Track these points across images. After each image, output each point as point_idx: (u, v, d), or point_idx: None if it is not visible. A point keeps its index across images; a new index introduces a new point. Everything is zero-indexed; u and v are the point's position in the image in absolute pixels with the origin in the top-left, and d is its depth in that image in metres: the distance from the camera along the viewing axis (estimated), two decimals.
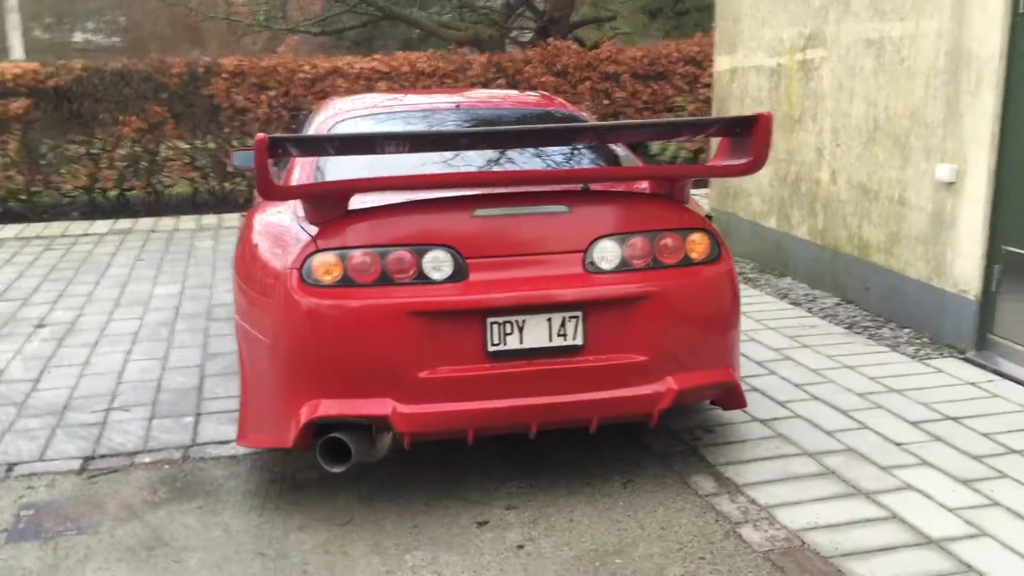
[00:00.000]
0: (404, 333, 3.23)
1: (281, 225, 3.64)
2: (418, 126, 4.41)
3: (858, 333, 5.61)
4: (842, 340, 5.47)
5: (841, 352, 5.23)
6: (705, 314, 3.49)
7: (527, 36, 14.18)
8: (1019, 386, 4.64)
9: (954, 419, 4.25)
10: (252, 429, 3.63)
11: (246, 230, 3.96)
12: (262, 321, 3.46)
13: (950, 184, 5.18)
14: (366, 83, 10.87)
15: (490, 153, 3.90)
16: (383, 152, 3.35)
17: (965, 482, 3.63)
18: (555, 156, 4.04)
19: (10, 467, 3.96)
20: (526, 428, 3.42)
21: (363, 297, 3.25)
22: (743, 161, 3.42)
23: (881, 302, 5.83)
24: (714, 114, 8.06)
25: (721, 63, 7.80)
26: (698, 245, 3.53)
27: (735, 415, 4.28)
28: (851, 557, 3.11)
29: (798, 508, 3.45)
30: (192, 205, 11.03)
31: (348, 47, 24.71)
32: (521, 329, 3.32)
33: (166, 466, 3.97)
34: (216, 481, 3.82)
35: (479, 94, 5.03)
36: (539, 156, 3.98)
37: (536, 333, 3.33)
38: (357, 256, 3.30)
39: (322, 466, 3.42)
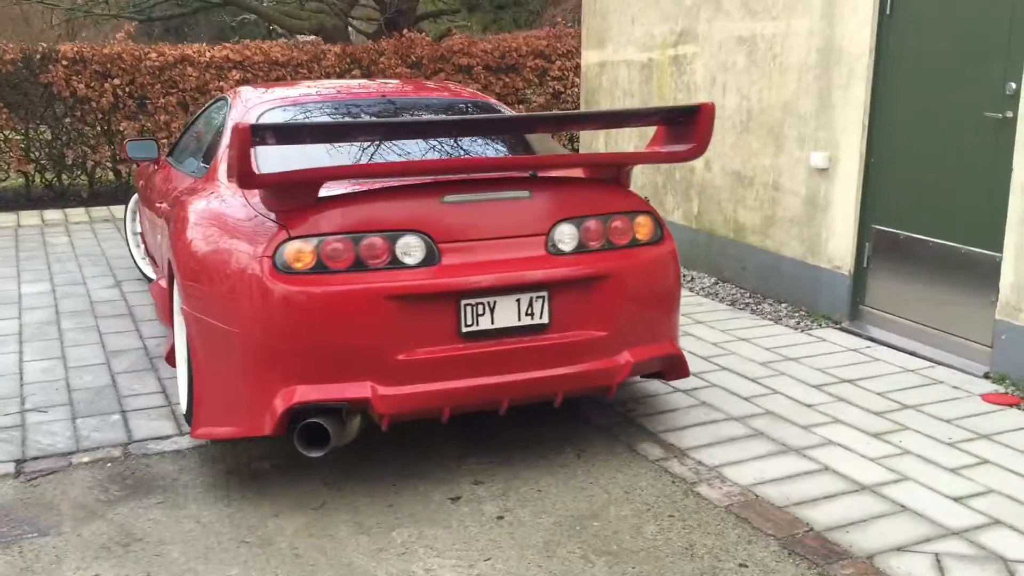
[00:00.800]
0: (382, 317, 3.31)
1: (234, 213, 3.63)
2: (350, 116, 4.45)
3: (741, 309, 6.05)
4: (729, 316, 5.89)
5: (732, 326, 5.63)
6: (656, 291, 3.74)
7: (371, 27, 14.12)
8: (893, 350, 5.16)
9: (849, 381, 4.70)
10: (210, 421, 3.61)
11: (184, 220, 3.90)
12: (225, 310, 3.44)
13: (823, 170, 5.67)
14: (217, 71, 10.60)
15: (444, 142, 4.02)
16: (358, 140, 3.41)
17: (875, 435, 4.05)
18: (501, 145, 4.20)
19: None
20: (498, 405, 3.57)
21: (339, 283, 3.30)
22: (687, 147, 3.69)
23: (758, 280, 6.30)
24: (582, 106, 8.39)
25: (589, 57, 8.12)
26: (643, 227, 3.77)
27: (659, 387, 4.57)
28: (802, 505, 3.44)
29: (742, 467, 3.76)
30: (27, 200, 10.43)
31: (158, 35, 23.75)
32: (492, 310, 3.47)
33: (108, 464, 3.87)
34: (169, 476, 3.76)
35: (392, 84, 5.10)
36: (488, 145, 4.12)
37: (506, 313, 3.49)
38: (330, 243, 3.34)
39: (297, 452, 3.45)
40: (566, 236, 3.61)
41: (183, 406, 4.17)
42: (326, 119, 4.24)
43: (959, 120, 4.84)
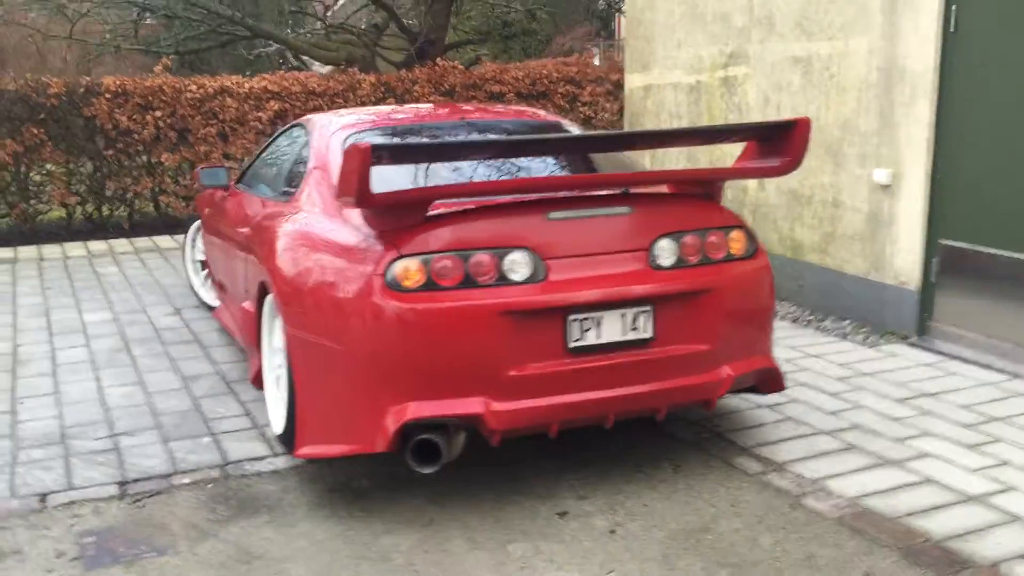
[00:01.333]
0: (494, 333, 3.34)
1: (337, 234, 3.67)
2: (435, 138, 4.51)
3: (804, 326, 6.07)
4: (793, 332, 5.91)
5: (799, 343, 5.66)
6: (753, 305, 3.78)
7: (397, 57, 14.26)
8: (967, 364, 5.18)
9: (931, 395, 4.71)
10: (315, 440, 3.64)
11: (282, 243, 3.95)
12: (334, 330, 3.48)
13: (886, 187, 5.71)
14: (256, 103, 10.71)
15: (534, 161, 4.08)
16: (473, 158, 3.46)
17: (970, 447, 4.06)
18: (585, 162, 4.26)
19: (42, 497, 3.78)
20: (604, 419, 3.59)
21: (451, 300, 3.34)
22: (779, 161, 3.74)
23: (817, 297, 6.33)
24: (626, 127, 8.45)
25: (633, 80, 8.20)
26: (737, 242, 3.81)
27: (740, 402, 4.59)
28: (913, 516, 3.45)
29: (843, 479, 3.77)
30: (68, 232, 10.51)
31: (175, 69, 23.95)
32: (599, 325, 3.50)
33: (209, 485, 3.89)
34: (272, 495, 3.78)
35: (464, 108, 5.16)
36: (575, 163, 4.18)
37: (611, 328, 3.52)
38: (440, 260, 3.38)
39: (396, 471, 3.48)
40: (665, 251, 3.64)
41: (276, 427, 4.20)
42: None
43: None
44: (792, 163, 3.72)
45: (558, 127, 4.83)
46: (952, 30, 5.29)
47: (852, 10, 5.85)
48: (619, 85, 11.24)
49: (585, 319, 3.47)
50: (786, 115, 6.46)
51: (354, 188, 3.15)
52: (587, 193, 3.68)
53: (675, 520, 3.50)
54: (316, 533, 3.47)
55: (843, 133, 5.98)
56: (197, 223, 6.77)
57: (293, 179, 4.59)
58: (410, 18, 13.86)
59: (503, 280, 3.42)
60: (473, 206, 3.55)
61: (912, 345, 5.55)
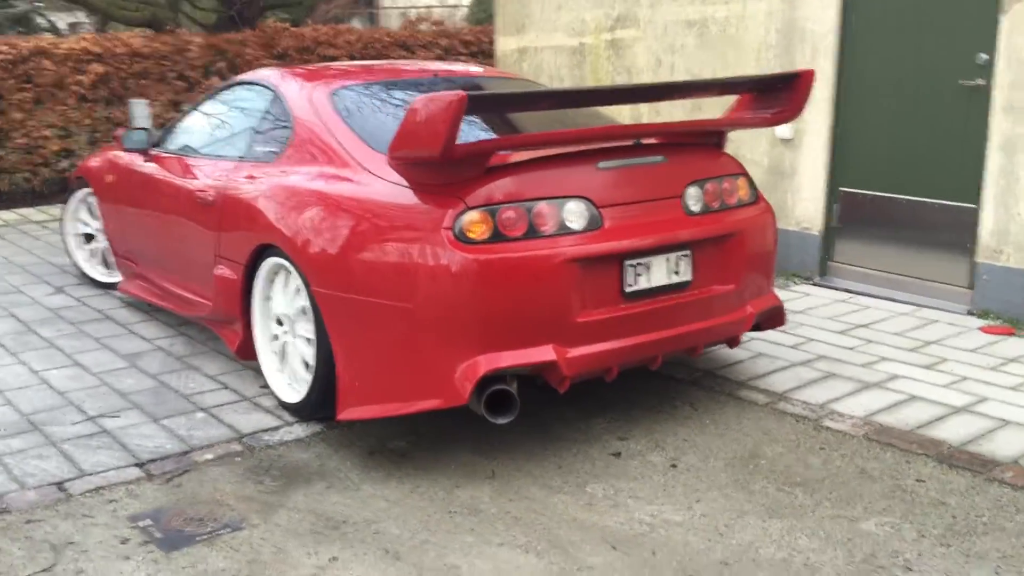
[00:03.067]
0: (563, 281, 3.41)
1: (382, 191, 3.59)
2: (420, 92, 4.44)
3: None
4: None
5: None
6: (766, 247, 4.05)
7: (207, 19, 13.53)
8: (873, 298, 5.74)
9: (863, 326, 5.21)
10: (364, 400, 3.57)
11: (292, 202, 3.81)
12: (394, 287, 3.42)
13: (788, 140, 6.18)
14: (75, 65, 9.88)
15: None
16: (560, 107, 3.50)
17: (927, 367, 4.56)
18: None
19: (59, 486, 3.48)
20: (654, 359, 3.75)
21: (521, 250, 3.37)
22: (782, 111, 4.01)
23: None
24: None
25: (506, 43, 8.30)
26: (743, 188, 4.07)
27: None
28: (924, 428, 3.86)
29: (845, 402, 4.14)
30: None
31: None
32: (648, 270, 3.65)
33: (237, 458, 3.72)
34: (310, 464, 3.67)
35: (433, 65, 5.10)
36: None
37: (659, 272, 3.68)
38: (505, 211, 3.40)
39: (424, 430, 3.52)
40: (693, 198, 3.83)
41: (285, 396, 4.06)
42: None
43: (931, 89, 5.46)
44: (795, 111, 3.99)
45: (524, 81, 4.89)
46: None
47: None
48: (468, 45, 11.30)
49: (638, 264, 3.60)
50: (680, 76, 6.80)
51: (442, 139, 3.11)
52: (622, 143, 3.80)
53: (723, 450, 3.72)
54: (387, 494, 3.42)
55: (695, 104, 6.37)
56: (81, 193, 6.24)
57: (268, 139, 4.38)
58: None
59: (564, 229, 3.48)
60: (532, 157, 3.58)
61: (816, 285, 6.07)
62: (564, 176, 3.54)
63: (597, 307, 3.52)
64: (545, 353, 3.41)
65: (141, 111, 9.26)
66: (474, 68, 5.36)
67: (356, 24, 18.44)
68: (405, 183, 3.55)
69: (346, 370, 3.60)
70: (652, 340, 3.64)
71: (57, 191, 10.04)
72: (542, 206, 3.46)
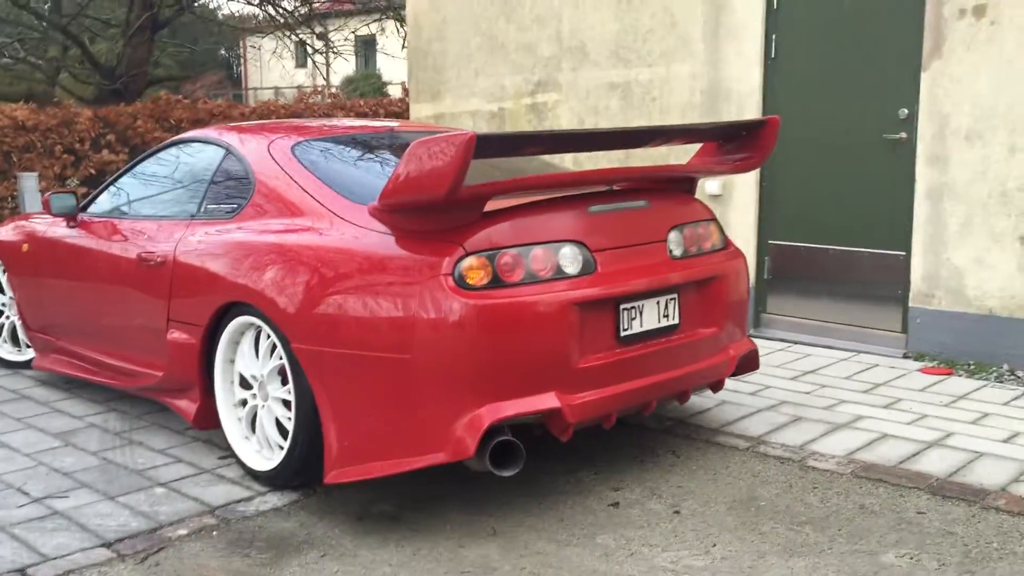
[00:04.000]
0: (565, 325, 3.34)
1: (368, 241, 3.45)
2: (372, 149, 4.36)
3: None
4: None
5: None
6: (742, 291, 4.08)
7: (85, 92, 13.09)
8: (810, 346, 5.88)
9: (811, 372, 5.32)
10: (354, 460, 3.39)
11: (268, 258, 3.63)
12: (389, 339, 3.28)
13: (718, 196, 6.34)
14: None
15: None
16: (580, 149, 3.46)
17: (886, 407, 4.66)
18: None
19: (22, 573, 3.14)
20: (647, 405, 3.70)
21: (522, 295, 3.29)
22: (748, 158, 4.09)
23: None
24: None
25: (421, 110, 8.30)
26: (715, 234, 4.11)
27: None
28: (906, 463, 3.92)
29: (822, 442, 4.17)
30: None
31: None
32: (640, 313, 3.62)
33: (214, 532, 3.45)
34: (298, 533, 3.44)
35: (379, 122, 5.01)
36: None
37: (650, 316, 3.65)
38: (504, 256, 3.33)
39: (403, 492, 3.47)
40: (675, 242, 3.85)
41: (256, 464, 3.83)
42: (313, 153, 4.04)
43: (856, 143, 5.70)
44: (761, 159, 4.08)
45: None
46: (772, 56, 6.02)
47: (672, 40, 6.45)
48: (365, 116, 11.24)
49: (631, 308, 3.57)
50: None
51: (448, 182, 3.02)
52: (603, 189, 3.79)
53: (720, 494, 3.68)
54: (388, 558, 3.22)
55: (669, 151, 6.52)
56: None
57: (223, 196, 4.19)
58: (98, 53, 12.76)
59: (560, 274, 3.42)
60: (525, 202, 3.53)
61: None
62: (557, 220, 3.49)
63: (595, 352, 3.46)
64: (549, 400, 3.31)
65: (31, 184, 8.81)
66: (423, 124, 5.29)
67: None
68: (391, 231, 3.42)
69: (335, 429, 3.41)
70: (648, 384, 3.60)
71: None
72: (538, 251, 3.39)
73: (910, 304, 5.54)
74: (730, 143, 4.15)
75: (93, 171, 10.12)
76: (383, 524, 3.48)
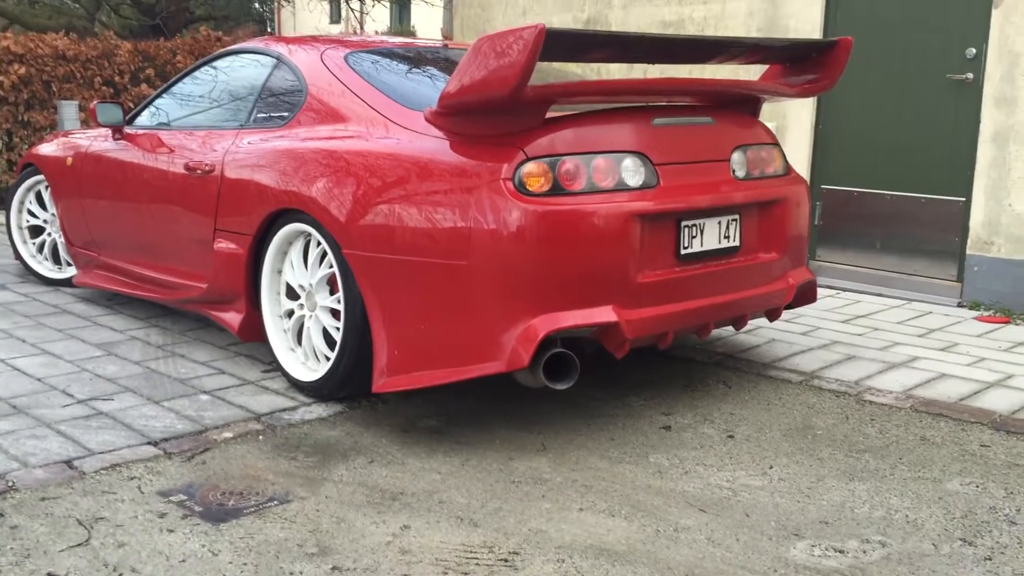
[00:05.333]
0: (626, 238, 3.24)
1: (422, 145, 3.36)
2: (425, 62, 4.26)
3: None
4: None
5: None
6: (804, 218, 3.96)
7: (131, 28, 13.03)
8: (860, 293, 5.74)
9: (863, 316, 5.19)
10: (407, 368, 3.32)
11: (321, 164, 3.55)
12: (447, 244, 3.19)
13: None
14: None
15: None
16: (649, 55, 3.35)
17: (942, 350, 4.53)
18: None
19: (68, 464, 3.10)
20: (706, 328, 3.60)
21: (584, 203, 3.19)
22: (813, 79, 3.94)
23: None
24: None
25: None
26: (779, 159, 3.98)
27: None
28: (967, 401, 3.80)
29: (878, 379, 4.06)
30: None
31: None
32: (702, 232, 3.50)
33: (260, 436, 3.40)
34: (342, 441, 3.38)
35: (430, 40, 4.91)
36: None
37: (711, 236, 3.54)
38: (565, 163, 3.22)
39: (451, 407, 3.35)
40: (738, 163, 3.72)
41: (301, 375, 3.77)
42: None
43: (918, 84, 5.52)
44: (831, 82, 3.93)
45: None
46: None
47: None
48: None
49: (693, 226, 3.46)
50: (654, 76, 6.75)
51: (516, 79, 2.91)
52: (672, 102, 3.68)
53: (775, 422, 3.58)
54: (436, 467, 3.15)
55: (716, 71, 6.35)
56: (27, 184, 5.78)
57: (273, 105, 4.11)
58: None
59: (622, 185, 3.31)
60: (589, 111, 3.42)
61: None
62: (620, 131, 3.38)
63: (655, 268, 3.36)
64: (606, 314, 3.22)
65: (71, 112, 8.77)
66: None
67: None
68: (447, 136, 3.32)
69: (385, 338, 3.33)
70: (706, 305, 3.49)
71: None
72: (600, 160, 3.28)
73: (967, 252, 5.38)
74: (799, 64, 4.00)
75: (132, 104, 10.05)
76: (429, 436, 3.42)
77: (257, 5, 36.56)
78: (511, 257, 3.12)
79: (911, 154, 5.59)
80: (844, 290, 5.81)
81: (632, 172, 3.34)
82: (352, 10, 20.57)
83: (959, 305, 5.40)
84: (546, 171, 3.18)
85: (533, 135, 3.20)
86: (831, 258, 6.02)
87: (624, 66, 6.58)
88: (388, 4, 23.31)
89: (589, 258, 3.18)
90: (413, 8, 28.55)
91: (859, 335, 4.77)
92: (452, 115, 3.28)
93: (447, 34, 10.72)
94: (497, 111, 3.15)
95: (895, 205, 5.69)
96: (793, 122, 6.04)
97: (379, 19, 28.68)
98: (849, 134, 5.86)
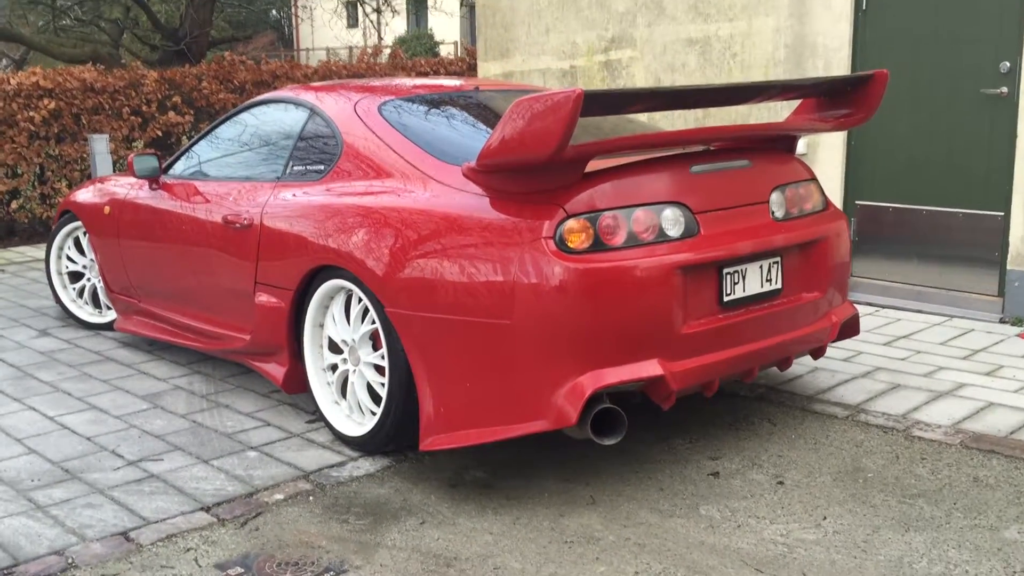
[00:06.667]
0: (669, 290, 3.23)
1: (463, 202, 3.36)
2: (461, 107, 4.26)
3: None
4: None
5: None
6: (844, 254, 3.92)
7: (154, 55, 13.12)
8: (900, 311, 5.69)
9: (904, 337, 5.14)
10: (452, 427, 3.32)
11: (359, 220, 3.56)
12: (489, 303, 3.19)
13: (802, 155, 6.12)
14: (26, 100, 9.42)
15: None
16: (684, 106, 3.34)
17: (987, 374, 4.48)
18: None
19: (125, 536, 3.13)
20: (750, 373, 3.58)
21: (626, 259, 3.18)
22: (849, 113, 3.90)
23: None
24: None
25: (490, 68, 8.16)
26: (816, 194, 3.95)
27: None
28: (1016, 433, 3.75)
29: (924, 411, 4.02)
30: None
31: None
32: (744, 277, 3.49)
33: (310, 497, 3.42)
34: (394, 499, 3.40)
35: (458, 81, 4.90)
36: None
37: (753, 280, 3.52)
38: (606, 218, 3.22)
39: (494, 459, 3.35)
40: (777, 204, 3.70)
41: (347, 430, 3.79)
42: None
43: (951, 99, 5.46)
44: (866, 115, 3.90)
45: None
46: (864, 8, 5.78)
47: None
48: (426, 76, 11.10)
49: (735, 272, 3.44)
50: None
51: (556, 141, 2.91)
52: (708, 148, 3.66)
53: (824, 465, 3.56)
54: (488, 527, 3.16)
55: (749, 109, 6.33)
56: (67, 229, 5.84)
57: (309, 157, 4.12)
58: (159, 13, 12.77)
59: (662, 237, 3.30)
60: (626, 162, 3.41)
61: None
62: (659, 181, 3.37)
63: (698, 317, 3.35)
64: (652, 368, 3.21)
65: (101, 147, 8.85)
66: (504, 82, 5.17)
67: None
68: (486, 193, 3.33)
69: (431, 396, 3.34)
70: (751, 351, 3.48)
71: (3, 234, 9.53)
72: (640, 212, 3.28)
73: (1008, 267, 5.33)
74: (834, 98, 3.97)
75: (160, 133, 10.14)
76: (478, 491, 3.43)
77: (275, 12, 36.72)
78: (555, 316, 3.12)
79: (946, 169, 5.53)
80: (883, 307, 5.76)
81: (672, 222, 3.33)
82: (369, 18, 20.63)
83: (1001, 320, 5.35)
84: (587, 227, 3.17)
85: (572, 191, 3.20)
86: (868, 273, 5.98)
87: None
88: (405, 12, 23.36)
89: (633, 313, 3.17)
90: (430, 15, 28.57)
91: (901, 359, 4.73)
92: (490, 172, 3.28)
93: (471, 49, 10.69)
94: (536, 169, 3.15)
95: (932, 220, 5.64)
96: (825, 138, 5.99)
97: (396, 27, 28.75)
98: (882, 150, 5.81)
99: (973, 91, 5.37)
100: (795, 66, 6.08)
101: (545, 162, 3.00)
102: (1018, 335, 5.09)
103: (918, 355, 4.81)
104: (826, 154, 6.00)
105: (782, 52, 6.13)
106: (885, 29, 5.70)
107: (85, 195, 5.59)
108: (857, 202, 5.96)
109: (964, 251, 5.52)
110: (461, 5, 25.73)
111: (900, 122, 5.67)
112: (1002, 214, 5.34)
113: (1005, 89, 5.25)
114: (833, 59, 5.89)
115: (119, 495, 3.43)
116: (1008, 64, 5.22)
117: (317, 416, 4.05)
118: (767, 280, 3.56)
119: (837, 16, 5.84)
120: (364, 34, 33.35)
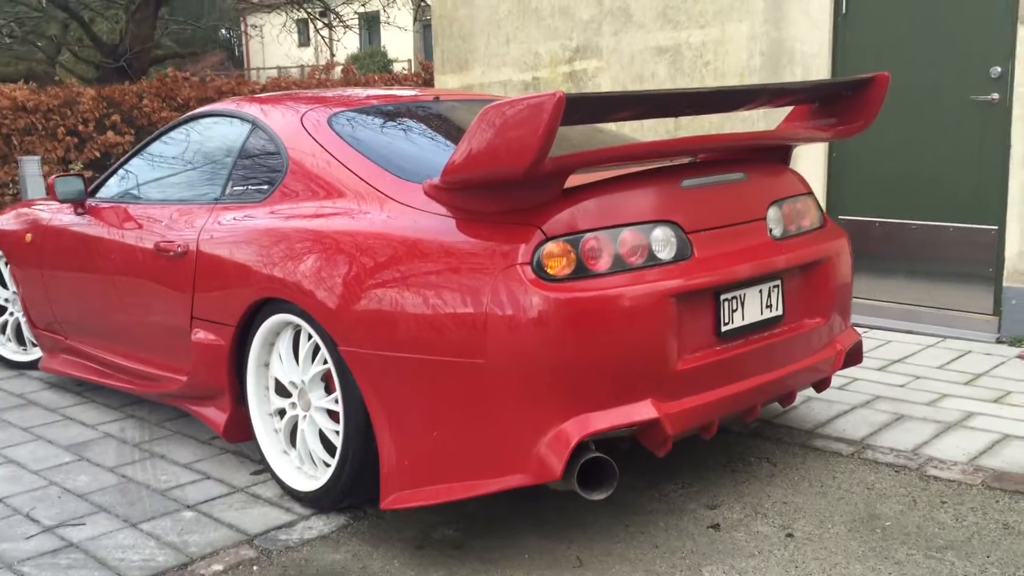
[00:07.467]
0: (661, 321, 2.83)
1: (423, 224, 2.95)
2: (418, 117, 3.85)
3: None
4: None
5: None
6: (847, 276, 3.57)
7: (88, 72, 12.54)
8: (889, 332, 5.35)
9: (899, 361, 4.81)
10: (417, 482, 2.90)
11: (308, 246, 3.13)
12: (461, 339, 2.77)
13: None
14: None
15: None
16: (675, 111, 2.95)
17: (994, 401, 4.15)
18: None
19: None
20: (752, 410, 3.20)
21: (613, 286, 2.78)
22: (847, 120, 3.55)
23: None
24: None
25: (447, 81, 7.77)
26: (812, 210, 3.59)
27: None
28: None
29: (936, 445, 3.67)
30: None
31: None
32: (743, 304, 3.11)
33: (254, 567, 2.97)
34: (350, 566, 2.96)
35: (414, 91, 4.49)
36: None
37: (753, 307, 3.15)
38: (589, 241, 2.82)
39: (463, 513, 2.95)
40: (774, 221, 3.33)
41: (297, 484, 3.34)
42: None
43: (940, 106, 5.16)
44: (867, 122, 3.55)
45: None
46: (844, 12, 5.47)
47: None
48: None
49: (733, 298, 3.06)
50: None
51: (533, 152, 2.50)
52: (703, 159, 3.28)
53: (835, 512, 3.18)
54: None
55: (723, 119, 6.00)
56: None
57: (250, 177, 3.68)
58: (99, 31, 12.19)
59: (652, 260, 2.91)
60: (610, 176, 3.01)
61: None
62: (647, 197, 2.97)
63: (694, 351, 2.95)
64: (645, 410, 2.81)
65: (33, 169, 8.30)
66: (467, 92, 4.77)
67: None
68: (452, 214, 2.91)
69: (392, 446, 2.91)
70: (753, 386, 3.10)
71: None
72: (627, 233, 2.88)
73: (1004, 284, 5.02)
74: (829, 104, 3.61)
75: (98, 153, 9.62)
76: (447, 554, 3.00)
77: (224, 31, 36.07)
78: (534, 352, 2.71)
79: (935, 181, 5.22)
80: (872, 327, 5.42)
81: (663, 243, 2.94)
82: (321, 35, 20.20)
83: (998, 341, 5.03)
84: (568, 251, 2.77)
85: (551, 210, 2.80)
86: (855, 292, 5.62)
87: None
88: (357, 29, 22.95)
89: (622, 348, 2.77)
90: (383, 32, 28.18)
91: (900, 386, 4.38)
92: (456, 190, 2.86)
93: (427, 64, 10.31)
94: (509, 185, 2.74)
95: (921, 235, 5.33)
96: (804, 150, 5.66)
97: (349, 44, 28.31)
98: (866, 161, 5.49)
99: (962, 97, 5.08)
100: (772, 73, 5.75)
101: (520, 177, 2.59)
102: (1018, 356, 4.77)
103: (917, 380, 4.46)
104: (805, 166, 5.67)
105: (757, 60, 5.80)
106: (867, 33, 5.40)
107: (5, 221, 5.08)
108: (840, 216, 5.64)
109: (956, 267, 5.21)
110: (415, 20, 25.36)
111: (885, 131, 5.36)
112: (996, 228, 5.03)
113: (996, 95, 4.96)
114: (812, 65, 5.57)
115: (29, 570, 2.95)
116: (999, 69, 4.93)
117: (263, 466, 3.59)
118: (767, 306, 3.18)
119: (815, 21, 5.53)
120: (316, 52, 32.88)
